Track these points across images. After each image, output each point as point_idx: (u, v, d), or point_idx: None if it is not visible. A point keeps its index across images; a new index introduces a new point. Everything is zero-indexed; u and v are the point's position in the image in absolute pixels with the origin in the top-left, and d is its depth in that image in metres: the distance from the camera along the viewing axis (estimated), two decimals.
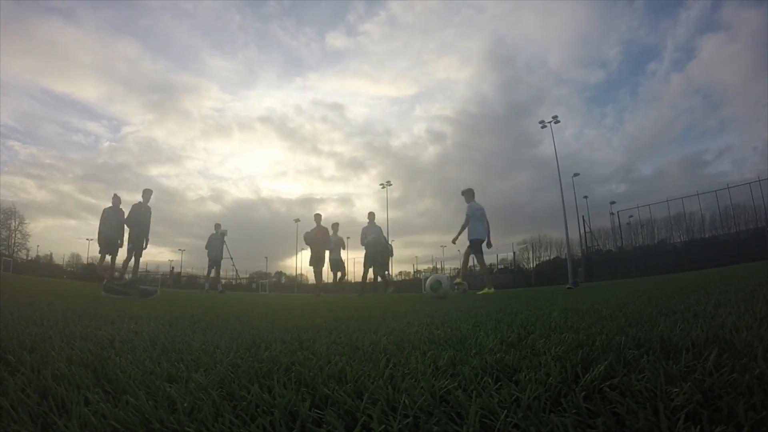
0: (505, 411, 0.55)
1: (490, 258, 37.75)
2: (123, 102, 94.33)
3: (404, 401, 0.60)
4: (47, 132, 79.94)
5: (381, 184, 36.41)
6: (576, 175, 29.22)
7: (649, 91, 70.60)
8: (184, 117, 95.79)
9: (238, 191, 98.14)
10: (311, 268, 10.62)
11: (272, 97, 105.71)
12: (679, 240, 27.41)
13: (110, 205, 9.06)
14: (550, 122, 23.86)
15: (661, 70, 67.68)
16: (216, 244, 11.21)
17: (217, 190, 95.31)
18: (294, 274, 47.75)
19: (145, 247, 9.06)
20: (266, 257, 49.51)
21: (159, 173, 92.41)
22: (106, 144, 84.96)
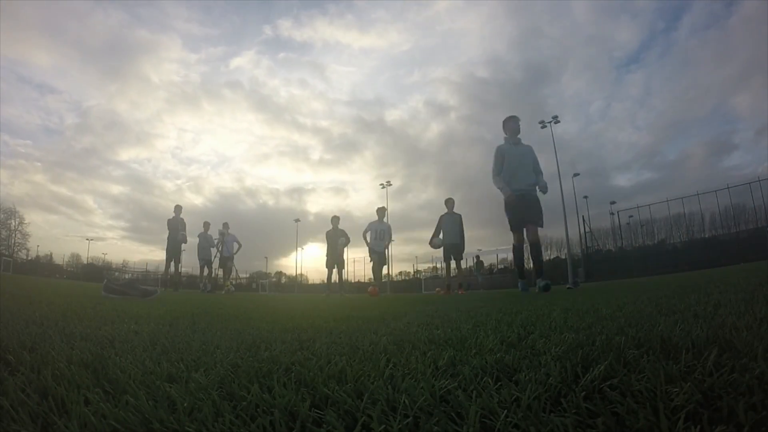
0: (505, 411, 0.55)
1: (490, 257, 37.78)
2: (81, 71, 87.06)
3: (404, 401, 0.60)
4: (11, 114, 74.33)
5: (381, 184, 36.44)
6: (576, 175, 29.20)
7: (682, 53, 61.86)
8: (145, 84, 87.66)
9: (219, 179, 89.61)
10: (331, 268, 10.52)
11: (240, 56, 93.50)
12: (679, 240, 27.42)
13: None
14: (550, 122, 23.84)
15: (698, 24, 59.24)
16: (227, 244, 11.77)
17: (195, 179, 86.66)
18: (294, 274, 47.70)
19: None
20: (266, 257, 49.44)
21: (129, 158, 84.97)
22: (70, 122, 79.79)
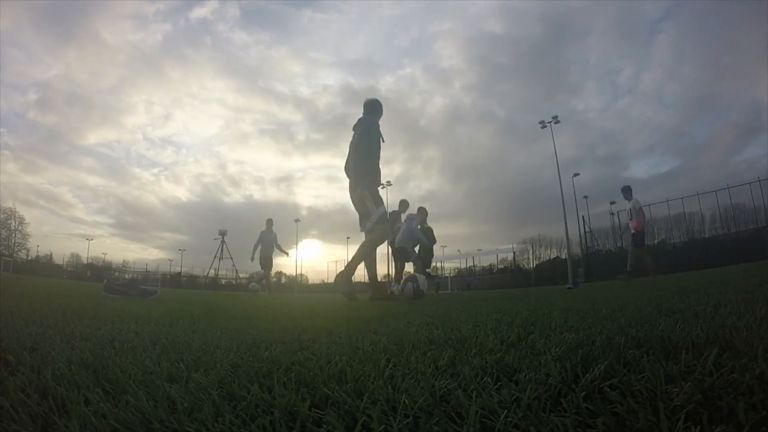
0: (505, 411, 0.55)
1: (490, 258, 37.64)
2: (33, 37, 79.11)
3: (404, 401, 0.60)
4: None
5: (381, 185, 36.16)
6: (576, 175, 29.18)
7: (719, 6, 52.88)
8: (101, 47, 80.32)
9: (199, 166, 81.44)
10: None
11: (202, 5, 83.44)
12: (679, 240, 27.44)
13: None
14: (549, 122, 23.75)
15: None
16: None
17: (172, 166, 79.63)
18: (294, 273, 47.55)
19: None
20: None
21: (98, 141, 79.40)
22: (31, 98, 74.48)
